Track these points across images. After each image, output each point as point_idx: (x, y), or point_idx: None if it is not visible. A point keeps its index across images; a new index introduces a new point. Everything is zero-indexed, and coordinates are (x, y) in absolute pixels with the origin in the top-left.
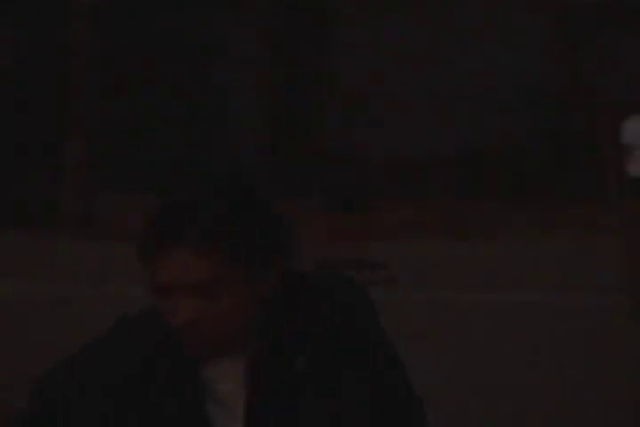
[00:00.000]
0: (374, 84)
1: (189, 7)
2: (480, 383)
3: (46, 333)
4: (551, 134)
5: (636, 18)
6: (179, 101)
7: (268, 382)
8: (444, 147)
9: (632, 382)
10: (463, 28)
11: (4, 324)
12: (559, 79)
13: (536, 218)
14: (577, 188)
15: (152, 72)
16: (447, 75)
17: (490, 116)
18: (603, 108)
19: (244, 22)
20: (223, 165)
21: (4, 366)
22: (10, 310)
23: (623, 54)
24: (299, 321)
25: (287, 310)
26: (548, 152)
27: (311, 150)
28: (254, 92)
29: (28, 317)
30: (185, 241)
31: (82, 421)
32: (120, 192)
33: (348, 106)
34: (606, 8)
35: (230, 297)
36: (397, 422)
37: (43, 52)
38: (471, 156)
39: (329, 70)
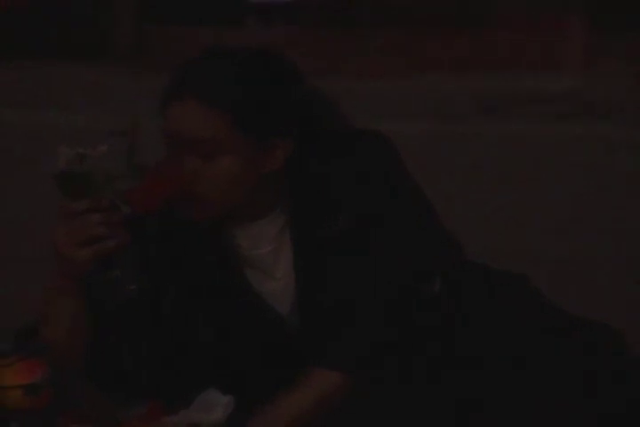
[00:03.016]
0: None
1: None
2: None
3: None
4: None
5: None
6: None
7: (309, 239)
8: None
9: None
10: None
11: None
12: None
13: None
14: None
15: None
16: None
17: None
18: None
19: None
20: None
21: None
22: (65, 141)
23: None
24: (329, 180)
25: (315, 171)
26: None
27: None
28: None
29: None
30: (187, 92)
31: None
32: (172, 24)
33: None
34: None
35: (228, 162)
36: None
37: None
38: None
39: None
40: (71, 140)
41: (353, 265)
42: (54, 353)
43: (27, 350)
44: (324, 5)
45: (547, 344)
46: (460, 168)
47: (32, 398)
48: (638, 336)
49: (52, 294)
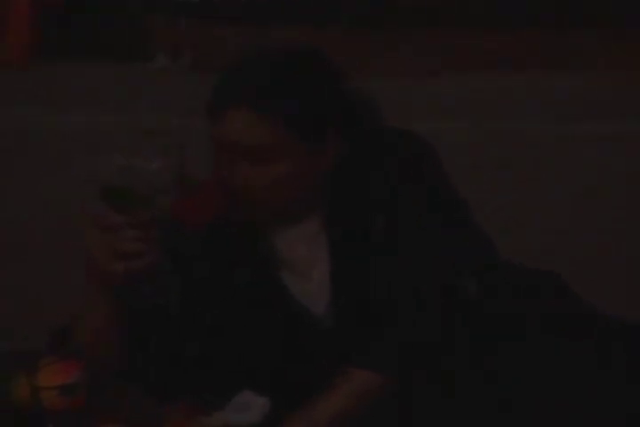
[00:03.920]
0: None
1: None
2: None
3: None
4: None
5: None
6: None
7: (346, 241)
8: None
9: None
10: None
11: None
12: None
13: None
14: None
15: None
16: None
17: None
18: None
19: None
20: None
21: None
22: (101, 141)
23: None
24: (367, 180)
25: (354, 171)
26: None
27: None
28: None
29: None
30: (243, 102)
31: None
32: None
33: None
34: None
35: (286, 166)
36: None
37: None
38: None
39: None
40: (97, 142)
41: (391, 265)
42: (87, 354)
43: (62, 350)
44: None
45: (580, 351)
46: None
47: (68, 398)
48: None
49: (85, 298)
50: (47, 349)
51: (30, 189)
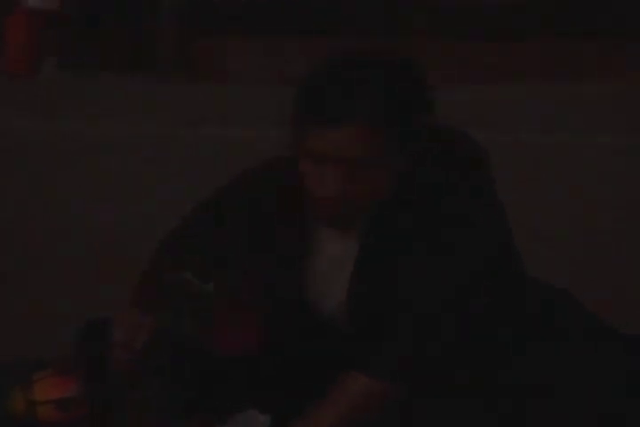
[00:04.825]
0: None
1: None
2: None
3: (146, 174)
4: None
5: None
6: None
7: (378, 237)
8: None
9: None
10: None
11: (107, 165)
12: None
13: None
14: None
15: None
16: None
17: None
18: None
19: None
20: None
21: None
22: (110, 151)
23: None
24: (417, 183)
25: (407, 175)
26: None
27: None
28: None
29: (128, 158)
30: (355, 118)
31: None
32: (219, 35)
33: None
34: None
35: (379, 174)
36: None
37: None
38: None
39: None
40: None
41: (418, 267)
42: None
43: (86, 349)
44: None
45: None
46: None
47: (63, 412)
48: None
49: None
50: (51, 361)
51: (32, 188)
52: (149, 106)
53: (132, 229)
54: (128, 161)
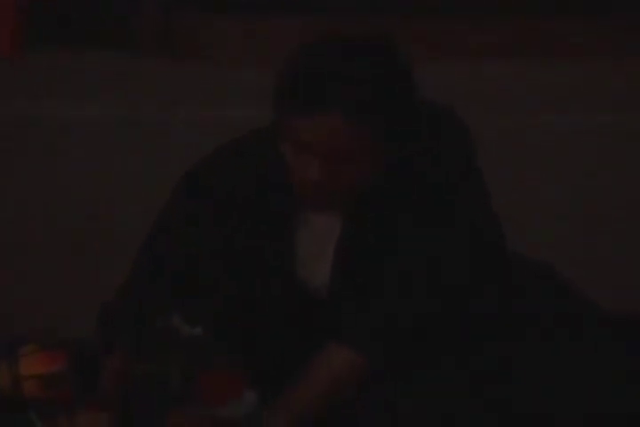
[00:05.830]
0: None
1: None
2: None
3: (124, 156)
4: None
5: None
6: None
7: (363, 212)
8: None
9: None
10: None
11: (92, 147)
12: None
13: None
14: None
15: None
16: None
17: None
18: None
19: None
20: None
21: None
22: (92, 133)
23: None
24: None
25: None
26: None
27: None
28: None
29: (106, 141)
30: (341, 107)
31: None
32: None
33: None
34: None
35: (364, 162)
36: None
37: None
38: None
39: None
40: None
41: (405, 236)
42: None
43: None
44: None
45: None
46: None
47: (48, 388)
48: None
49: None
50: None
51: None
52: (128, 85)
53: (114, 213)
54: (98, 143)
